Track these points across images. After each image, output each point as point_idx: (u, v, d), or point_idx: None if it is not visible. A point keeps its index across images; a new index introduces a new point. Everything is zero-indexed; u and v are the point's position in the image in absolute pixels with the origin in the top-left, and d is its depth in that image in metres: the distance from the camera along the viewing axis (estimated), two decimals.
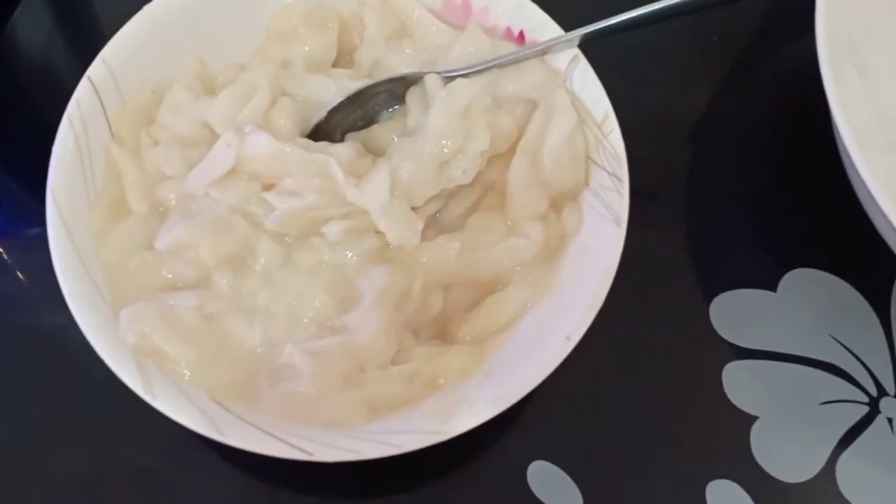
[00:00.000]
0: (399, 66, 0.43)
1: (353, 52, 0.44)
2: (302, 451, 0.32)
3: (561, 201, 0.40)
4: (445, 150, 0.38)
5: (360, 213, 0.37)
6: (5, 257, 0.46)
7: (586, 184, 0.40)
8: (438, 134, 0.38)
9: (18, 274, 0.45)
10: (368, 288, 0.36)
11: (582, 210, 0.40)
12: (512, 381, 0.34)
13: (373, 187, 0.36)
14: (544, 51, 0.41)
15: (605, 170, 0.39)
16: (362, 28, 0.44)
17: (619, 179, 0.38)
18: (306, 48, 0.43)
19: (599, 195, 0.39)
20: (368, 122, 0.42)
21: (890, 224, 0.37)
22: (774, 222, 0.49)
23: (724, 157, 0.50)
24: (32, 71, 0.52)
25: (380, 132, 0.42)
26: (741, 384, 0.44)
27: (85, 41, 0.53)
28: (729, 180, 0.50)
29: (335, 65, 0.44)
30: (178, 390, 0.33)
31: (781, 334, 0.46)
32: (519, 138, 0.40)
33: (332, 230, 0.37)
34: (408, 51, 0.43)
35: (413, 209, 0.38)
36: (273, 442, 0.32)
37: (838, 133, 0.38)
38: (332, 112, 0.41)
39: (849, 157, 0.38)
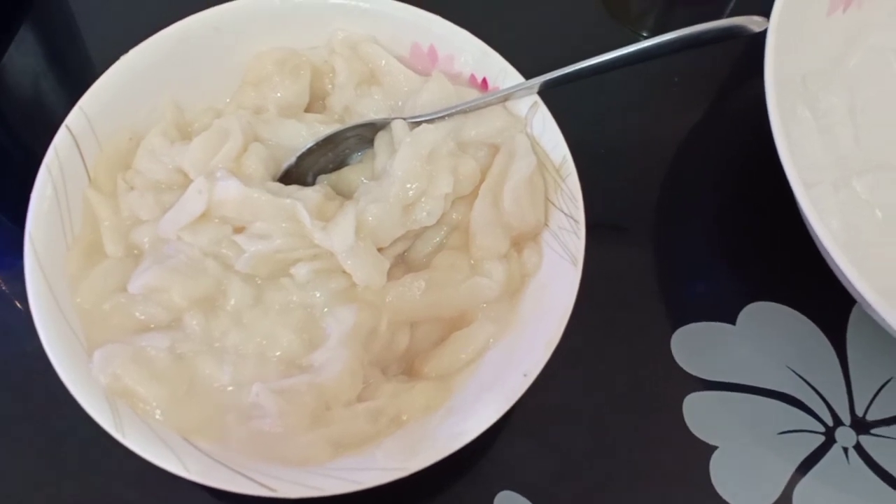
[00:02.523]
0: (368, 111, 0.44)
1: (325, 97, 0.46)
2: (266, 487, 0.33)
3: (522, 241, 0.41)
4: (410, 192, 0.40)
5: (327, 255, 0.38)
6: (3, 287, 0.47)
7: (546, 225, 0.42)
8: (404, 177, 0.40)
9: (16, 303, 0.46)
10: (336, 327, 0.38)
11: (542, 250, 0.41)
12: (471, 418, 0.35)
13: (339, 230, 0.38)
14: (506, 97, 0.43)
15: (562, 211, 0.41)
16: (333, 75, 0.46)
17: (576, 221, 0.40)
18: (279, 94, 0.44)
19: (558, 236, 0.41)
20: (339, 164, 0.44)
21: (837, 266, 0.39)
22: (734, 257, 0.50)
23: (687, 194, 0.52)
24: (22, 108, 0.54)
25: (350, 175, 0.43)
26: (701, 415, 0.46)
27: (74, 80, 0.55)
28: (690, 216, 0.51)
29: (308, 110, 0.46)
30: (148, 428, 0.34)
31: (740, 366, 0.47)
32: (482, 181, 0.42)
33: (301, 271, 0.38)
34: (377, 97, 0.45)
35: (380, 250, 0.40)
36: (238, 478, 0.33)
37: (787, 172, 0.40)
38: (303, 156, 0.43)
39: (795, 195, 0.40)
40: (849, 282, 0.39)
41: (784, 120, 0.41)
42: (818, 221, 0.39)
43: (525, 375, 0.36)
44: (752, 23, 0.40)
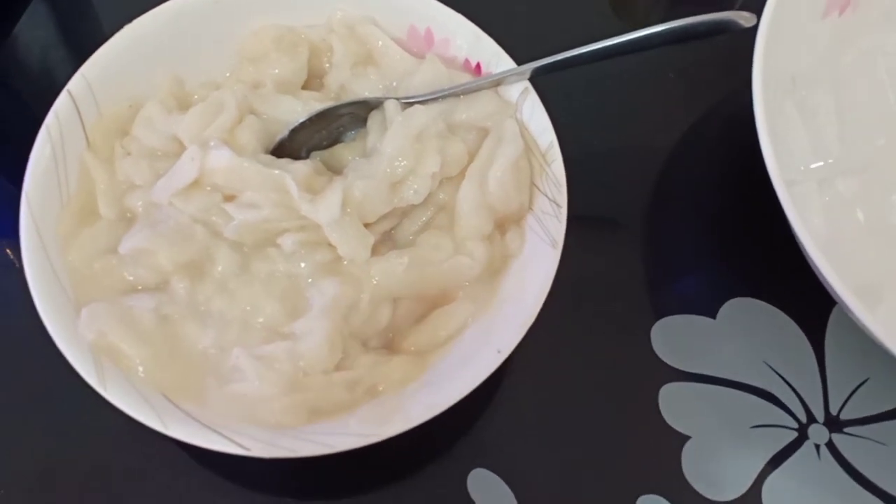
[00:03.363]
0: (363, 90, 0.45)
1: (322, 76, 0.47)
2: (240, 446, 0.34)
3: (506, 224, 0.42)
4: (398, 170, 0.41)
5: (314, 227, 0.39)
6: (11, 257, 0.48)
7: (530, 208, 0.42)
8: (392, 155, 0.41)
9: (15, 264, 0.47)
10: (318, 298, 0.39)
11: (525, 233, 0.42)
12: (445, 390, 0.36)
13: (325, 203, 0.39)
14: (497, 82, 0.44)
15: (546, 196, 0.42)
16: (331, 54, 0.47)
17: (559, 205, 0.41)
18: (276, 71, 0.45)
19: (541, 220, 0.42)
20: (333, 141, 0.45)
21: (811, 258, 0.39)
22: (717, 252, 0.51)
23: (675, 188, 0.53)
24: (32, 78, 0.55)
25: (342, 152, 0.44)
26: (676, 405, 0.46)
27: (84, 52, 0.55)
28: (678, 210, 0.52)
29: (305, 87, 0.47)
30: (130, 385, 0.35)
31: (718, 359, 0.48)
32: (469, 163, 0.42)
33: (287, 242, 0.39)
34: (372, 77, 0.46)
35: (367, 226, 0.41)
36: (214, 436, 0.34)
37: (770, 170, 0.41)
38: (297, 130, 0.44)
39: (777, 192, 0.40)
40: (827, 282, 0.39)
41: (770, 118, 0.41)
42: (798, 220, 0.40)
43: (499, 352, 0.37)
44: (742, 18, 0.41)
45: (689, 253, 0.51)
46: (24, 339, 0.44)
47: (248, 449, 0.34)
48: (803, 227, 0.40)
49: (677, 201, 0.52)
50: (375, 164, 0.41)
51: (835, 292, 0.39)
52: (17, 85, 0.55)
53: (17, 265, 0.46)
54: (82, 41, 0.57)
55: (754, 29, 0.43)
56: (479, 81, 0.44)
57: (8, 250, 0.48)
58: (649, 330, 0.48)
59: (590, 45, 0.42)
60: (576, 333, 0.47)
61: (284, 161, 0.41)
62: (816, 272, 0.42)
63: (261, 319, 0.38)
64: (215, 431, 0.34)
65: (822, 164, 0.47)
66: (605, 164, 0.52)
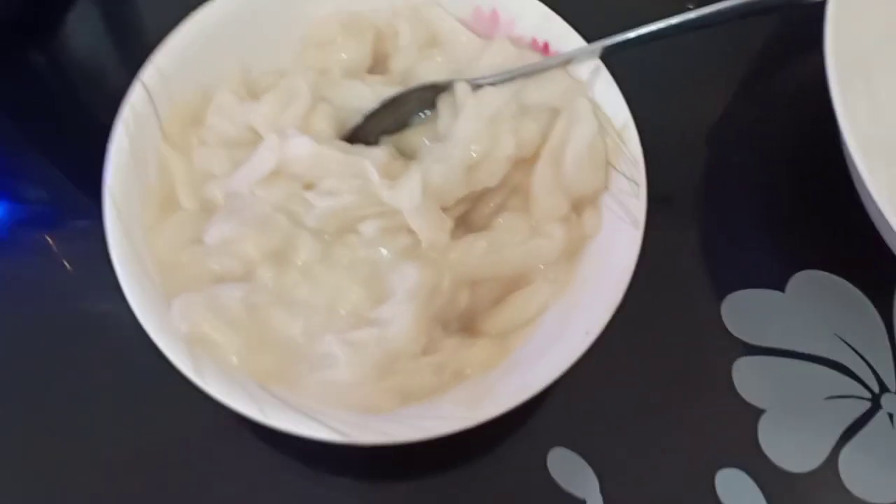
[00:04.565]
0: (430, 74, 0.45)
1: (387, 59, 0.47)
2: (339, 432, 0.34)
3: (582, 204, 0.42)
4: (474, 154, 0.41)
5: (393, 213, 0.39)
6: (54, 248, 0.48)
7: (606, 188, 0.42)
8: (467, 139, 0.41)
9: (65, 264, 0.48)
10: (401, 283, 0.39)
11: (601, 213, 0.42)
12: (535, 372, 0.37)
13: (406, 189, 0.39)
14: (567, 61, 0.44)
15: (623, 175, 0.42)
16: (396, 37, 0.46)
17: (637, 184, 0.41)
18: (343, 56, 0.45)
19: (618, 199, 0.41)
20: (401, 126, 0.45)
21: (892, 230, 0.39)
22: (784, 226, 0.51)
23: (738, 163, 0.52)
24: (83, 72, 0.55)
25: (412, 136, 0.44)
26: (750, 379, 0.46)
27: (133, 43, 0.56)
28: (742, 185, 0.52)
29: (370, 72, 0.47)
30: (225, 374, 0.36)
31: (789, 332, 0.48)
32: (543, 144, 0.42)
33: (368, 228, 0.39)
34: (439, 59, 0.45)
35: (443, 210, 0.41)
36: (312, 423, 0.34)
37: (846, 145, 0.41)
38: (368, 116, 0.44)
39: (855, 167, 0.40)
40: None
41: (843, 90, 0.41)
42: (878, 192, 0.40)
43: (587, 333, 0.37)
44: None
45: (755, 227, 0.51)
46: (104, 327, 0.45)
47: (346, 434, 0.34)
48: (885, 201, 0.39)
49: (739, 175, 0.52)
50: (450, 148, 0.40)
51: None
52: (69, 74, 0.55)
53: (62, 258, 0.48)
54: (130, 35, 0.57)
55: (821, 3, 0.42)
56: (548, 61, 0.44)
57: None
58: (719, 305, 0.48)
59: (659, 22, 0.42)
60: (646, 311, 0.47)
61: (361, 147, 0.41)
62: (889, 242, 0.42)
63: (347, 305, 0.38)
64: (313, 419, 0.35)
65: (889, 142, 0.47)
66: (668, 136, 0.52)
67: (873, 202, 0.40)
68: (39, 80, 0.54)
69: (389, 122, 0.44)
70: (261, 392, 0.36)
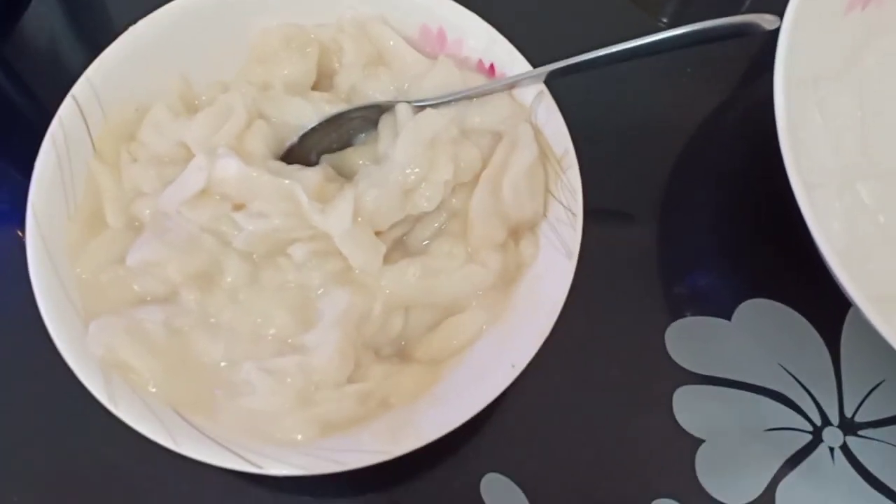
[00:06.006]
0: (375, 92, 0.44)
1: (332, 76, 0.46)
2: (253, 464, 0.34)
3: (520, 231, 0.42)
4: (411, 178, 0.40)
5: (324, 237, 0.39)
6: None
7: (544, 216, 0.42)
8: (404, 162, 0.40)
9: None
10: (330, 308, 0.38)
11: (539, 241, 0.41)
12: (457, 405, 0.36)
13: (336, 213, 0.38)
14: (512, 85, 0.43)
15: (561, 203, 0.41)
16: (341, 54, 0.46)
17: (574, 214, 0.40)
18: (286, 71, 0.44)
19: (555, 228, 0.41)
20: (343, 145, 0.44)
21: (828, 262, 0.39)
22: (734, 254, 0.50)
23: (691, 188, 0.52)
24: (39, 67, 0.54)
25: (353, 156, 0.43)
26: (690, 408, 0.46)
27: (91, 43, 0.55)
28: (693, 210, 0.51)
29: (315, 88, 0.46)
30: (140, 401, 0.35)
31: (733, 362, 0.47)
32: (483, 169, 0.42)
33: (298, 252, 0.39)
34: (384, 78, 0.45)
35: (378, 233, 0.40)
36: (226, 454, 0.34)
37: (790, 174, 0.40)
38: (307, 135, 0.43)
39: (796, 195, 0.40)
40: (843, 287, 0.39)
41: (792, 120, 0.41)
42: (816, 225, 0.39)
43: (513, 366, 0.37)
44: (764, 21, 0.40)
45: (705, 253, 0.50)
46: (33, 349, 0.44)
47: (259, 467, 0.34)
48: (821, 233, 0.39)
49: (692, 200, 0.52)
50: (387, 171, 0.40)
51: (850, 297, 0.39)
52: (25, 78, 0.54)
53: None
54: (92, 34, 0.56)
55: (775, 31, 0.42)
56: (492, 84, 0.43)
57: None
58: (664, 332, 0.48)
59: (607, 48, 0.41)
60: (589, 335, 0.47)
61: (294, 168, 0.40)
62: (834, 277, 0.41)
63: (272, 331, 0.38)
64: (227, 449, 0.34)
65: (843, 167, 0.47)
66: (620, 163, 0.52)
67: (817, 244, 0.39)
68: None
69: (331, 140, 0.44)
70: (176, 419, 0.35)
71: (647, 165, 0.52)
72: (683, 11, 0.57)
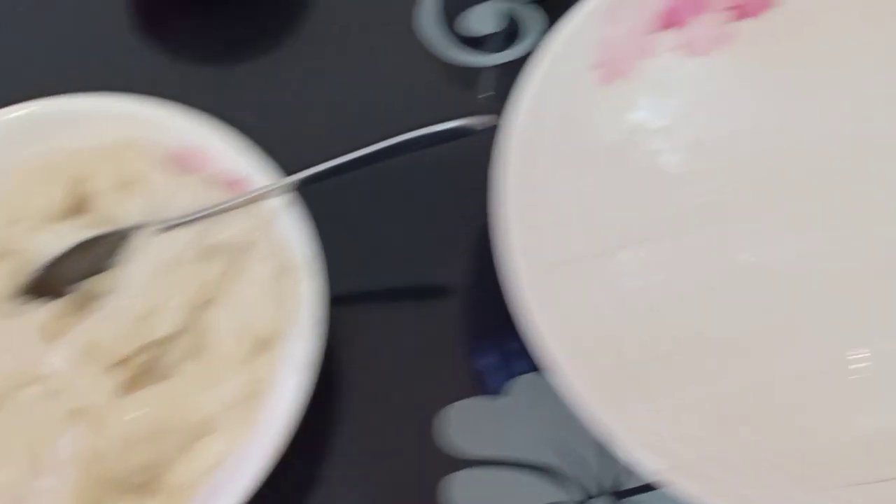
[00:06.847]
0: (130, 215, 0.45)
1: (86, 201, 0.46)
2: None
3: (263, 346, 0.42)
4: (144, 304, 0.40)
5: (54, 375, 0.39)
6: None
7: (286, 329, 0.42)
8: (136, 289, 0.40)
9: None
10: (63, 449, 0.38)
11: (279, 356, 0.42)
12: None
13: (61, 351, 0.38)
14: (258, 197, 0.44)
15: (304, 314, 0.42)
16: (95, 179, 0.46)
17: (316, 324, 0.41)
18: (37, 201, 0.45)
19: (299, 338, 0.41)
20: (96, 270, 0.44)
21: None
22: (501, 333, 0.50)
23: (441, 280, 0.52)
24: None
25: (103, 282, 0.44)
26: (459, 495, 0.46)
27: None
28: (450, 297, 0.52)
29: (75, 213, 0.46)
30: None
31: (502, 440, 0.47)
32: (224, 284, 0.42)
33: (29, 392, 0.39)
34: (137, 200, 0.45)
35: (119, 363, 0.40)
36: None
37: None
38: (56, 264, 0.43)
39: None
40: None
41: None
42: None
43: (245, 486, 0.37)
44: (478, 122, 0.42)
45: (475, 335, 0.51)
46: None
47: None
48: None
49: (448, 288, 0.52)
50: (119, 300, 0.40)
51: None
52: None
53: None
54: None
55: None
56: (237, 199, 0.44)
57: None
58: (431, 420, 0.47)
59: (347, 156, 0.43)
60: (356, 428, 0.47)
61: (28, 307, 0.41)
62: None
63: (4, 478, 0.38)
64: None
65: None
66: (374, 246, 0.52)
67: None
68: None
69: (82, 267, 0.44)
70: None
71: (392, 265, 0.52)
72: None
